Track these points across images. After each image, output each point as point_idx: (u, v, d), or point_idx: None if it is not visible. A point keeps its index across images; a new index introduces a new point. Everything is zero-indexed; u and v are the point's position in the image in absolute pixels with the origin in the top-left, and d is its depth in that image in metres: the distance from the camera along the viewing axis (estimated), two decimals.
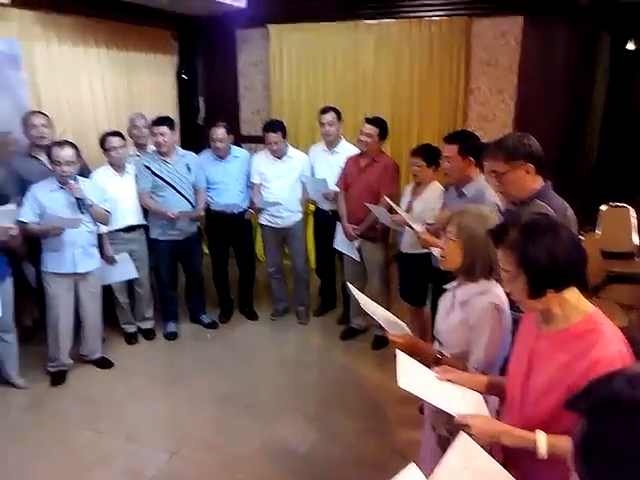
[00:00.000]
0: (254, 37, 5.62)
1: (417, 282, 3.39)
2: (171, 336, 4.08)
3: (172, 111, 5.32)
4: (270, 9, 5.18)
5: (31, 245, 3.49)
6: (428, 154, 3.20)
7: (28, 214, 3.18)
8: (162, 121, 3.76)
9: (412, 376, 1.60)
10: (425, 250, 2.97)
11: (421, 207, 3.24)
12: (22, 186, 3.35)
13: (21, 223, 3.13)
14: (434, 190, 3.23)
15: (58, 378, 3.50)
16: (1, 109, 3.69)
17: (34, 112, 3.60)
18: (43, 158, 3.48)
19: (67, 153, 3.17)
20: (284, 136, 3.91)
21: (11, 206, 3.10)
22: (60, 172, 3.16)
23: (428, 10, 4.85)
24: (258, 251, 4.86)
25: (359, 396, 3.36)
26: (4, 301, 3.16)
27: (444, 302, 1.91)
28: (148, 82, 5.19)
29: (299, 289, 4.31)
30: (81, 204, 3.24)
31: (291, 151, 4.02)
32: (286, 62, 5.42)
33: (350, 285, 2.46)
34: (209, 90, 6.04)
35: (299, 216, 4.10)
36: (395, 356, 1.64)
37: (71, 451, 2.89)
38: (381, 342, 3.78)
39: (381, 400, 3.27)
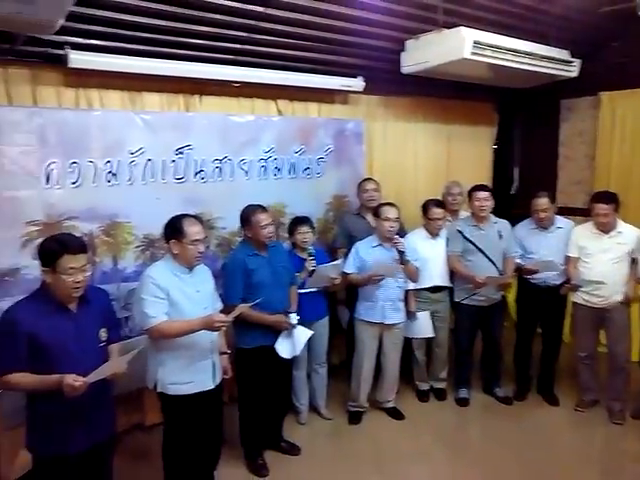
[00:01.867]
0: (581, 106, 5.35)
1: None
2: (462, 402, 4.02)
3: (486, 180, 5.41)
4: (604, 76, 4.89)
5: (349, 292, 3.96)
6: None
7: (350, 266, 3.62)
8: (484, 188, 3.89)
9: None
10: None
11: None
12: (349, 240, 3.88)
13: (344, 274, 3.59)
14: None
15: (355, 418, 3.79)
16: (343, 176, 4.37)
17: (367, 179, 4.16)
18: (369, 218, 3.96)
19: (394, 212, 3.54)
20: (616, 209, 3.54)
21: (339, 261, 3.61)
22: (387, 227, 3.51)
23: None
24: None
25: None
26: (321, 336, 3.64)
27: None
28: (466, 152, 5.43)
29: (615, 381, 3.71)
30: (402, 257, 3.51)
31: (621, 226, 3.59)
32: (618, 130, 4.96)
33: None
34: (525, 160, 5.96)
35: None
36: None
37: None
38: None
39: None
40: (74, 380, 2.02)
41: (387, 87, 4.59)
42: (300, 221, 3.56)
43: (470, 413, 3.95)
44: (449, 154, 5.33)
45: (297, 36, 3.55)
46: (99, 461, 2.35)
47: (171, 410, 2.66)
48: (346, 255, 3.76)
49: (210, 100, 3.69)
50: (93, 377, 2.09)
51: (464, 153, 5.42)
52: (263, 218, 3.08)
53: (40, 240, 2.50)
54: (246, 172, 3.80)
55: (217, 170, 3.66)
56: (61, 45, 2.90)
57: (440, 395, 4.10)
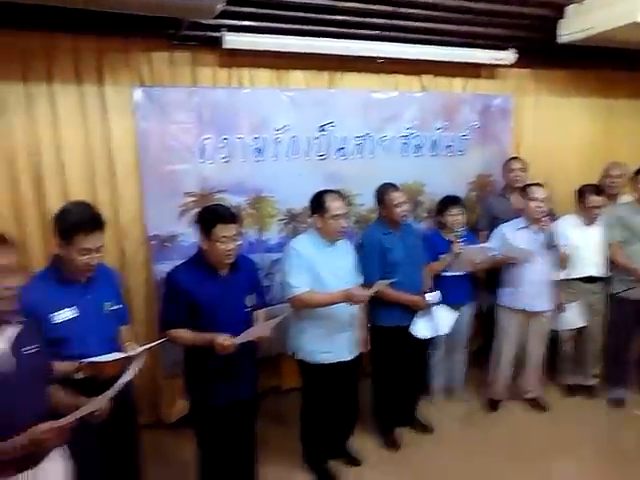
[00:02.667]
0: None
1: None
2: (617, 402, 3.67)
3: None
4: None
5: (490, 276, 3.76)
6: None
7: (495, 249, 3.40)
8: None
9: None
10: None
11: None
12: (492, 222, 3.68)
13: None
14: None
15: (492, 405, 3.66)
16: (488, 155, 4.14)
17: (514, 158, 3.91)
18: (514, 199, 3.72)
19: (541, 192, 3.30)
20: None
21: (487, 244, 3.43)
22: (534, 207, 3.27)
23: None
24: None
25: None
26: (463, 321, 3.49)
27: None
28: (629, 130, 4.85)
29: None
30: (549, 242, 3.26)
31: None
32: None
33: None
34: None
35: None
36: None
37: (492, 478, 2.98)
38: None
39: None
40: (224, 340, 2.17)
41: (539, 59, 4.23)
42: (452, 201, 3.42)
43: (624, 415, 3.58)
44: (608, 132, 4.78)
45: (444, 8, 3.39)
46: (243, 416, 2.52)
47: (310, 377, 2.76)
48: (488, 237, 3.57)
49: (352, 76, 3.69)
50: (241, 339, 2.22)
51: (627, 131, 4.83)
52: (397, 196, 3.04)
53: (195, 210, 2.71)
54: (386, 149, 3.76)
55: (358, 147, 3.67)
56: (217, 28, 3.08)
57: (590, 393, 3.77)
